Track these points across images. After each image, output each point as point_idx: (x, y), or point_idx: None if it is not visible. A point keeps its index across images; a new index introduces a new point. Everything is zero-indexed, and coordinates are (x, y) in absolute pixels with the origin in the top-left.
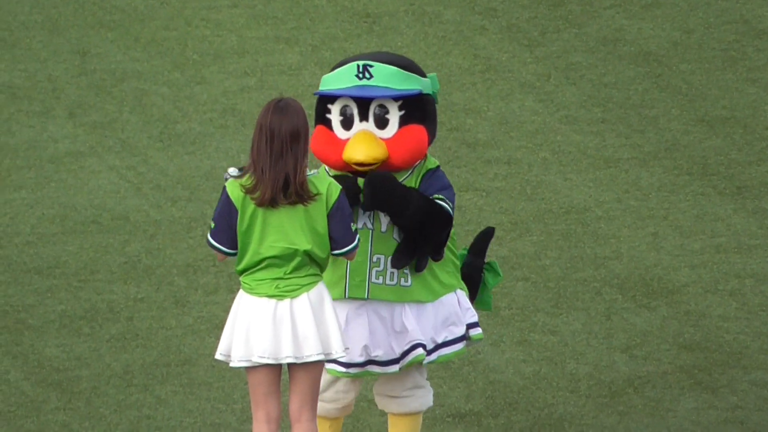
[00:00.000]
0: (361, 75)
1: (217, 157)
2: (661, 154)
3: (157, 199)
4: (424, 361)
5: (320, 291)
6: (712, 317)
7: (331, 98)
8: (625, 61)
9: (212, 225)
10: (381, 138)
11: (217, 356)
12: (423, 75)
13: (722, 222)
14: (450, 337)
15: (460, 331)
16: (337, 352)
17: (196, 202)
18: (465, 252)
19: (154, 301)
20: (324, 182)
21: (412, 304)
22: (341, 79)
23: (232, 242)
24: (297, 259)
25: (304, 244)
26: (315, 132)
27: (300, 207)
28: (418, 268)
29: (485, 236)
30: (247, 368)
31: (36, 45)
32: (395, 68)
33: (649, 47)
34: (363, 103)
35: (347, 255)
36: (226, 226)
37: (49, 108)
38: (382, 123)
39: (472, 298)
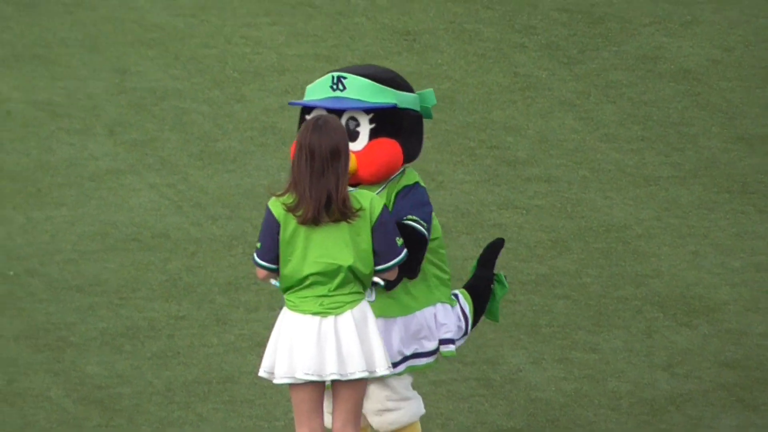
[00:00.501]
0: (335, 86)
1: (258, 175)
2: (701, 172)
3: (197, 217)
4: (390, 372)
5: (363, 308)
6: (753, 335)
7: (308, 109)
8: (665, 79)
9: (258, 245)
10: (351, 151)
11: (261, 373)
12: (407, 89)
13: (762, 240)
14: (420, 350)
15: (432, 345)
16: (381, 370)
17: (237, 220)
18: (475, 264)
19: (195, 319)
20: (366, 197)
21: (378, 319)
22: (317, 91)
23: (277, 260)
24: (341, 276)
25: (347, 259)
26: (294, 144)
27: (343, 223)
28: (388, 287)
29: (494, 247)
30: (290, 385)
31: (75, 63)
32: (368, 81)
33: (688, 65)
34: (335, 115)
35: (391, 270)
36: (272, 245)
37: (88, 126)
38: (353, 136)
39: (481, 309)
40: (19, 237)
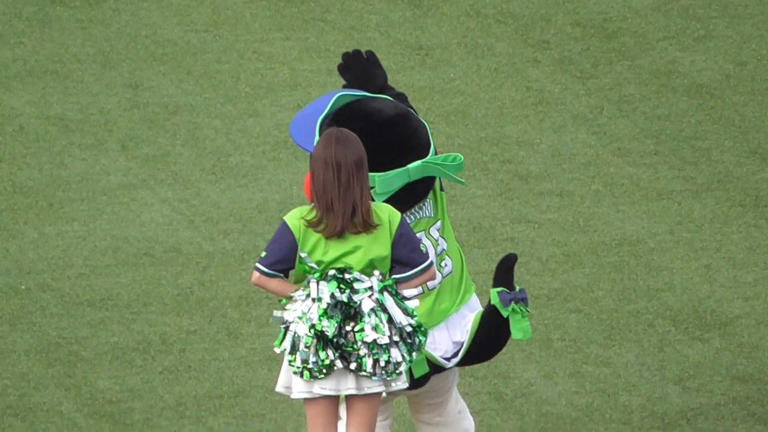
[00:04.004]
0: None
1: (270, 189)
2: (714, 186)
3: (209, 232)
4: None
5: None
6: (766, 349)
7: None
8: (678, 93)
9: (263, 254)
10: None
11: (278, 389)
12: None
13: None
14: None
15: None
16: (397, 384)
17: (249, 234)
18: (494, 293)
19: (206, 333)
20: (384, 210)
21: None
22: None
23: (280, 271)
24: None
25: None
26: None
27: (363, 236)
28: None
29: (507, 265)
30: (306, 399)
31: (88, 78)
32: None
33: (701, 79)
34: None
35: (421, 275)
36: (278, 256)
37: (101, 141)
38: None
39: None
40: (31, 252)
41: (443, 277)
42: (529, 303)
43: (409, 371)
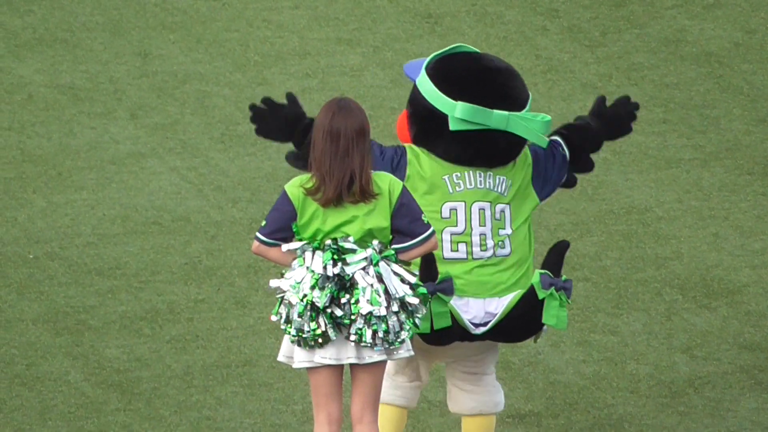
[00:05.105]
0: None
1: (279, 158)
2: (723, 155)
3: (218, 200)
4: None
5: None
6: None
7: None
8: (687, 61)
9: (263, 223)
10: None
11: (280, 358)
12: (451, 95)
13: None
14: None
15: None
16: (400, 353)
17: (257, 203)
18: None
19: (214, 302)
20: (385, 179)
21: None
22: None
23: (279, 240)
24: None
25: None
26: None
27: (362, 206)
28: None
29: (559, 251)
30: (309, 369)
31: (98, 46)
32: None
33: (710, 48)
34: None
35: (421, 246)
36: (276, 226)
37: (110, 109)
38: None
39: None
40: (39, 220)
41: (494, 256)
42: (571, 295)
43: (430, 323)
